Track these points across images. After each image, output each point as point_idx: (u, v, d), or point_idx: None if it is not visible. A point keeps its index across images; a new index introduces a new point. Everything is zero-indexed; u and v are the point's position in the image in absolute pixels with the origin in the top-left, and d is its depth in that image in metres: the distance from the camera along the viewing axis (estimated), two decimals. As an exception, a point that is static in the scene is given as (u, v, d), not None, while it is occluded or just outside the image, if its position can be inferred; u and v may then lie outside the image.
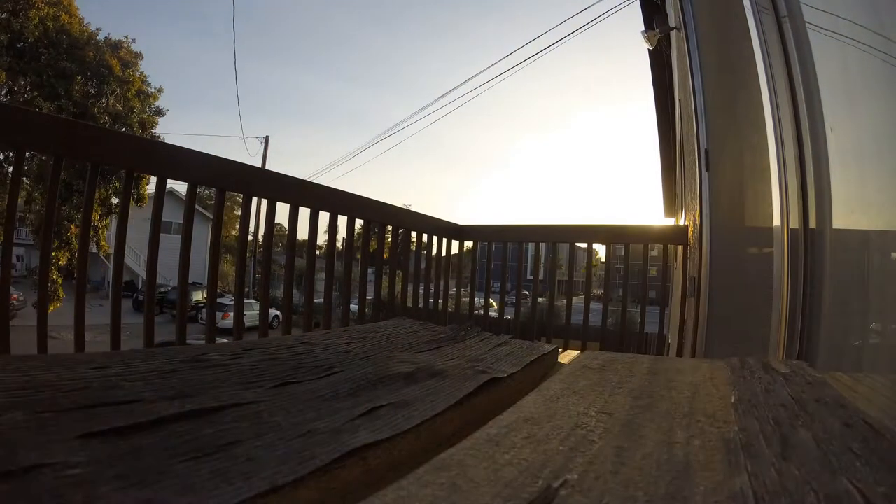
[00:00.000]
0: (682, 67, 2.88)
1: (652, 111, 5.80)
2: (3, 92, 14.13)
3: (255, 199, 1.86)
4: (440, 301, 2.94)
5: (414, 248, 2.70)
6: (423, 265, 2.80)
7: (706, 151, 2.04)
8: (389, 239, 2.62)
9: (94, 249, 16.28)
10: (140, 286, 21.99)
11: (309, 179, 2.33)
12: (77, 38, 14.23)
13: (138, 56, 15.66)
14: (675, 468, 0.31)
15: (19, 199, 1.58)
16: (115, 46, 15.08)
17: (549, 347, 0.83)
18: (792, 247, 1.07)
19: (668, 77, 4.64)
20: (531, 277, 9.53)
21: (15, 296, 11.84)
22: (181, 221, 1.62)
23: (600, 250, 3.05)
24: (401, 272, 2.64)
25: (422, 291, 2.80)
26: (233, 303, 1.89)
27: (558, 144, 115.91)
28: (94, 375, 0.45)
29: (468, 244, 3.15)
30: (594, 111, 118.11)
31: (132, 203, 13.53)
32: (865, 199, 0.99)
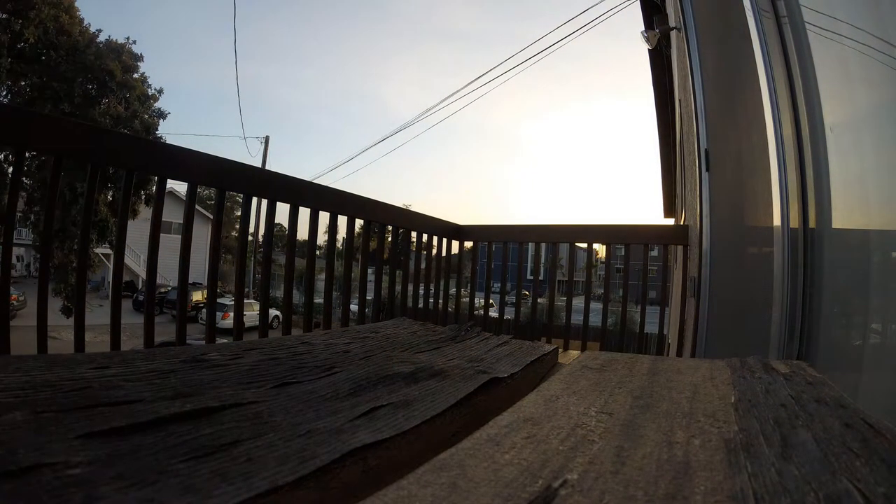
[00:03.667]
0: (682, 67, 2.88)
1: (652, 111, 5.81)
2: (4, 93, 14.13)
3: (255, 199, 1.86)
4: (440, 301, 2.94)
5: (414, 248, 2.70)
6: (423, 265, 2.80)
7: (706, 151, 2.04)
8: (389, 239, 2.62)
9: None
10: (140, 286, 22.00)
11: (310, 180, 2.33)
12: (77, 41, 14.19)
13: (139, 58, 15.63)
14: (675, 468, 0.31)
15: (20, 200, 1.57)
16: (117, 51, 15.03)
17: (549, 347, 0.83)
18: (792, 246, 1.07)
19: (668, 77, 4.64)
20: (531, 277, 9.53)
21: (15, 296, 11.84)
22: (181, 221, 1.63)
23: (601, 250, 3.05)
24: (401, 272, 2.64)
25: (422, 291, 2.80)
26: (232, 303, 1.89)
27: (558, 145, 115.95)
28: (94, 375, 0.45)
29: (468, 244, 3.15)
30: (594, 111, 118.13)
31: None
32: (865, 199, 0.99)
